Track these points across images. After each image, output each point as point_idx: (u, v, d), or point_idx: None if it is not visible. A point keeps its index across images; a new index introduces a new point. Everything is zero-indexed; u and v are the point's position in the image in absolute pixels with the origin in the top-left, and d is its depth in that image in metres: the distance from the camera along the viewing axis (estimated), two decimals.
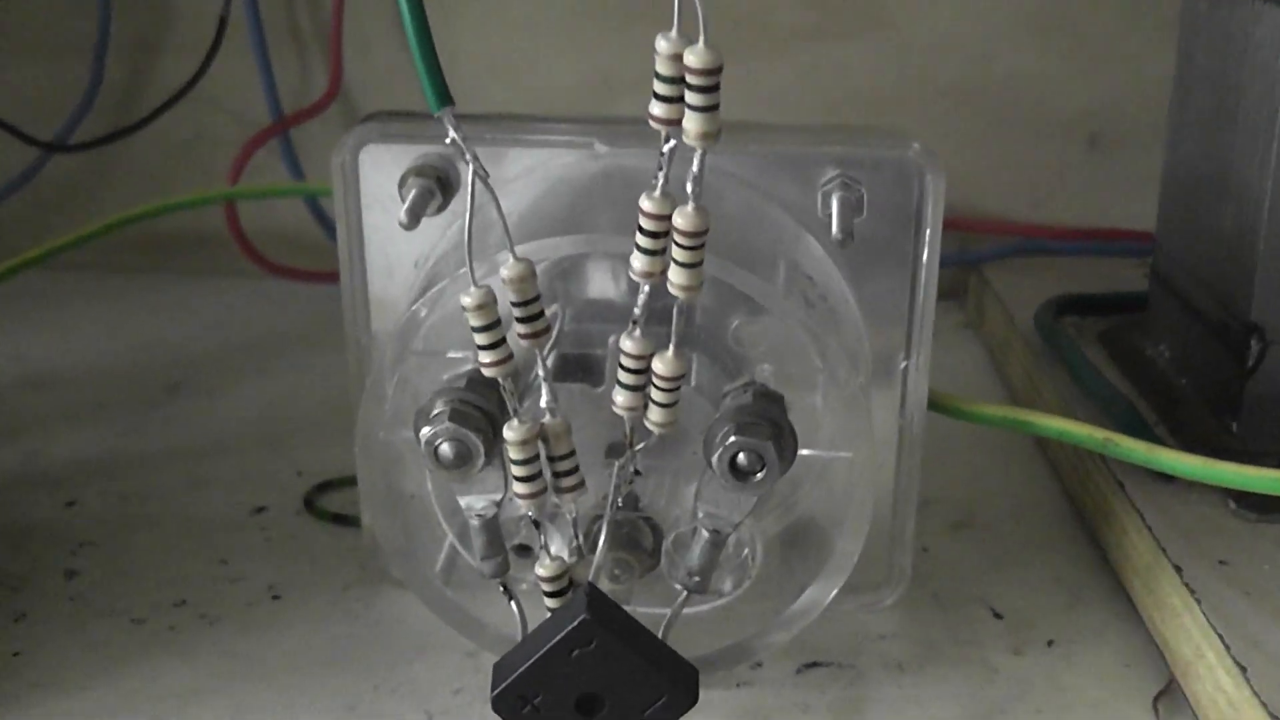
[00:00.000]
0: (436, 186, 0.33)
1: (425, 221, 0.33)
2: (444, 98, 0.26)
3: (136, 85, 0.61)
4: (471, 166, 0.26)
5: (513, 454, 0.29)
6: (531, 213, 0.33)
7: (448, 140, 0.26)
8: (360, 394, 0.34)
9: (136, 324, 0.58)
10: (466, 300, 0.27)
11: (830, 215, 0.32)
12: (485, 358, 0.28)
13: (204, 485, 0.43)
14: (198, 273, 0.63)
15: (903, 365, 0.34)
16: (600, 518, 0.31)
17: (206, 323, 0.58)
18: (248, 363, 0.54)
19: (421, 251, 0.34)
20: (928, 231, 0.33)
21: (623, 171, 0.33)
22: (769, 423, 0.29)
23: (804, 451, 0.31)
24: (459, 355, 0.32)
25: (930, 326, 0.34)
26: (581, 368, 0.33)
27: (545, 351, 0.29)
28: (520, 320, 0.28)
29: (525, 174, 0.34)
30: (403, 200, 0.33)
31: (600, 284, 0.34)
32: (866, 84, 0.59)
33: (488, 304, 0.27)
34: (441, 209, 0.33)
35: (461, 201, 0.33)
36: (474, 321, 0.27)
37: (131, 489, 0.43)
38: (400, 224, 0.32)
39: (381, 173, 0.34)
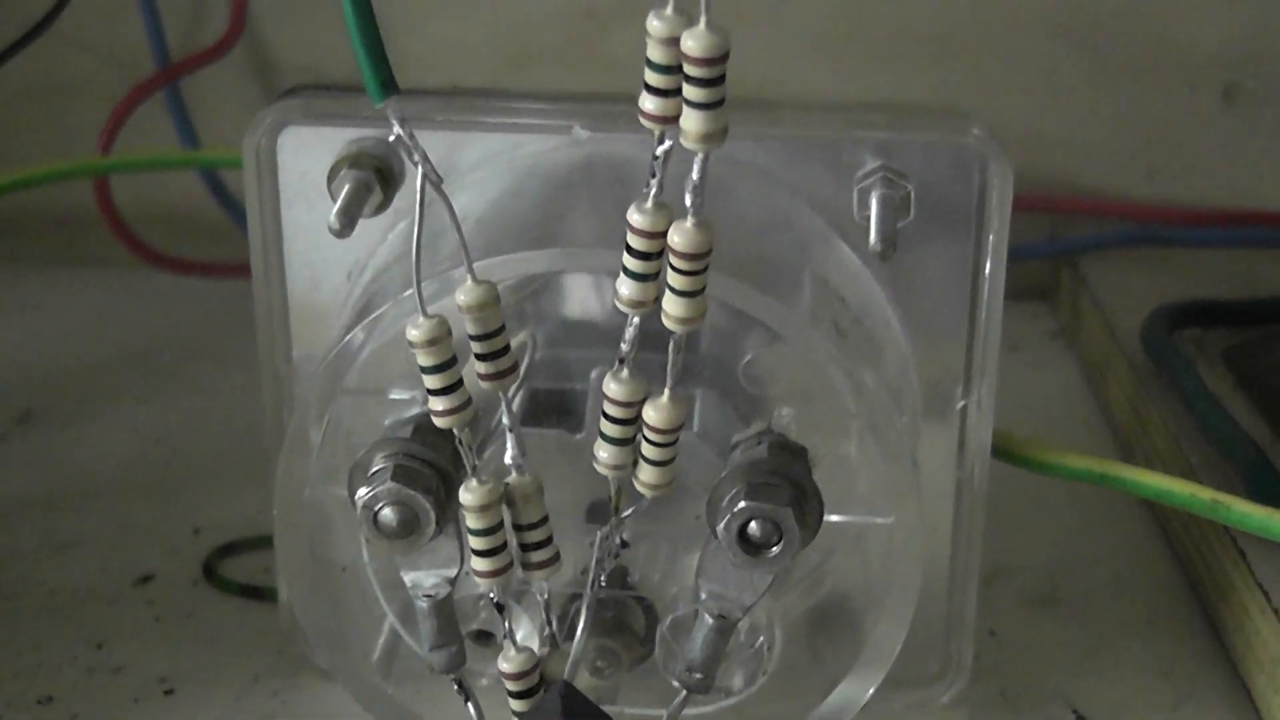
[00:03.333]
0: (375, 179, 0.36)
1: (362, 223, 0.36)
2: (388, 85, 0.29)
3: None
4: (421, 170, 0.29)
5: (470, 521, 0.32)
6: (495, 214, 0.36)
7: (391, 137, 0.29)
8: (279, 439, 0.37)
9: None
10: (414, 334, 0.30)
11: (868, 218, 0.35)
12: (437, 405, 0.31)
13: (71, 546, 0.46)
14: (55, 263, 0.66)
15: (960, 405, 0.37)
16: (579, 596, 0.34)
17: (68, 330, 0.61)
18: (125, 382, 0.57)
19: (356, 258, 0.37)
20: (991, 237, 0.36)
21: (609, 162, 0.36)
22: (788, 483, 0.32)
23: (832, 517, 0.34)
24: (404, 395, 0.35)
25: (995, 356, 0.37)
26: (557, 408, 0.36)
27: (511, 394, 0.32)
28: (480, 357, 0.31)
29: (486, 162, 0.37)
30: (333, 197, 0.36)
31: (581, 300, 0.37)
32: (931, 16, 0.62)
33: (440, 338, 0.30)
34: (382, 208, 0.36)
35: (406, 198, 0.36)
36: (423, 360, 0.30)
37: None
38: (330, 229, 0.35)
39: (306, 160, 0.37)
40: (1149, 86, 0.63)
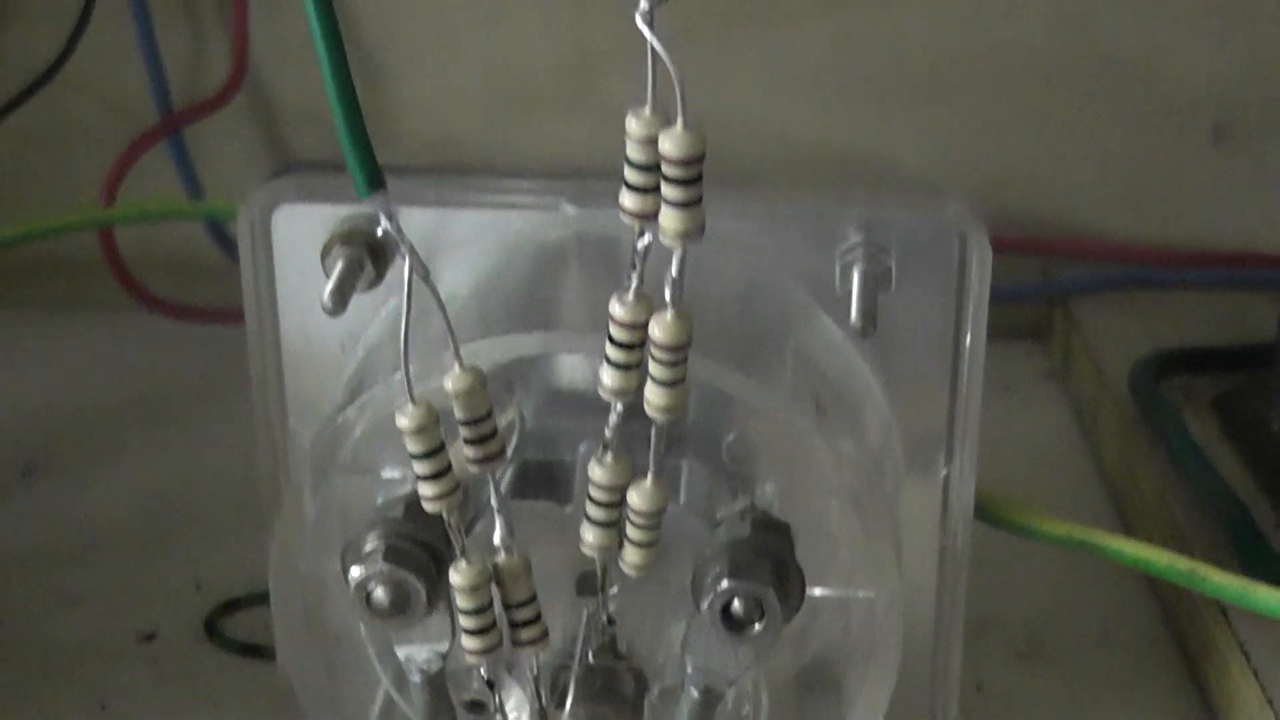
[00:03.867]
0: (367, 256, 0.37)
1: (355, 297, 0.37)
2: (374, 181, 0.30)
3: None
4: (408, 263, 0.30)
5: (460, 602, 0.32)
6: (484, 291, 0.36)
7: (379, 232, 0.30)
8: (275, 508, 0.38)
9: None
10: (403, 422, 0.31)
11: (850, 292, 0.36)
12: (426, 490, 0.31)
13: (75, 603, 0.47)
14: (58, 307, 0.67)
15: (943, 473, 0.38)
16: (568, 667, 0.35)
17: (70, 376, 0.62)
18: (127, 431, 0.58)
19: (350, 330, 0.38)
20: (971, 308, 0.37)
21: (598, 237, 0.37)
22: (770, 561, 0.33)
23: (815, 591, 0.35)
24: (395, 474, 0.36)
25: (976, 424, 0.38)
26: (545, 481, 0.37)
27: (499, 475, 0.32)
28: (469, 441, 0.32)
29: (476, 235, 0.37)
30: (326, 274, 0.36)
31: (569, 372, 0.38)
32: (919, 57, 0.63)
33: (428, 426, 0.31)
34: (375, 284, 0.37)
35: (399, 272, 0.37)
36: (412, 447, 0.31)
37: None
38: (323, 308, 0.36)
39: (299, 237, 0.37)
40: (1139, 127, 0.63)
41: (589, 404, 0.37)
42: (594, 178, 0.37)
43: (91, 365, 0.63)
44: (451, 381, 0.31)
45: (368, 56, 0.64)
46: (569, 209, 0.37)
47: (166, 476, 0.54)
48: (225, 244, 0.64)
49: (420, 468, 0.31)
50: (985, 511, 0.40)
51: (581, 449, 0.36)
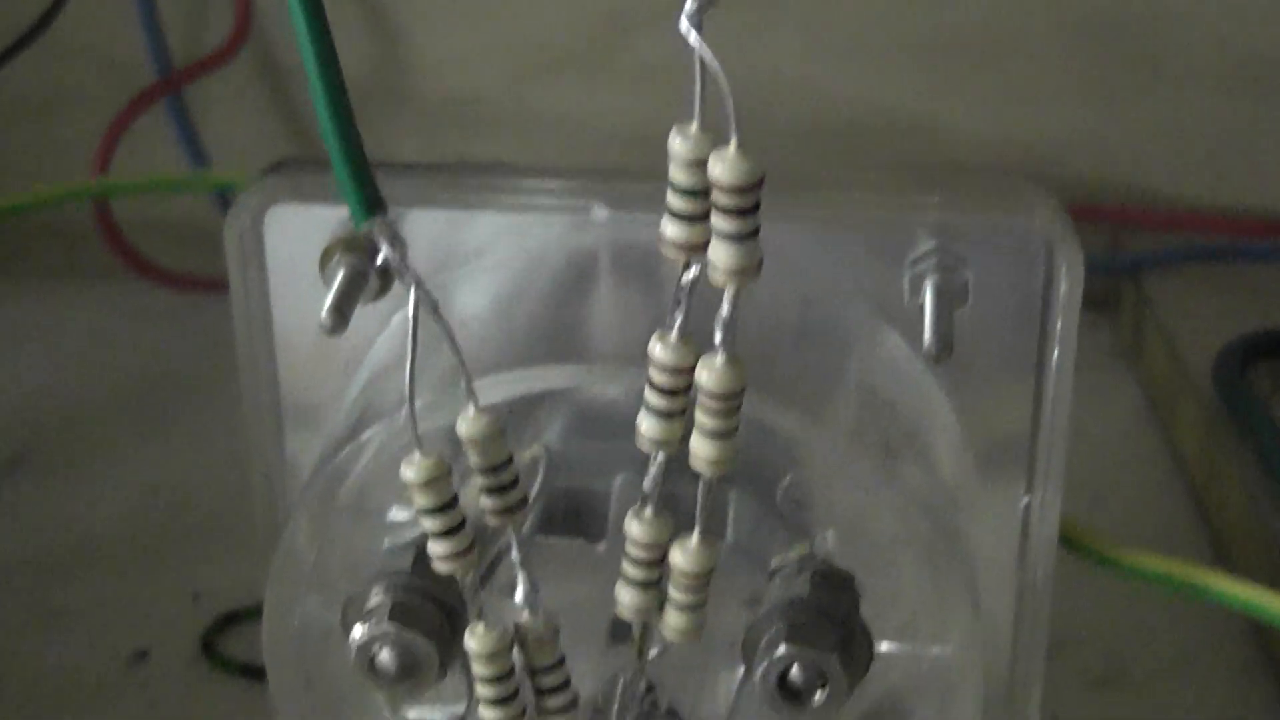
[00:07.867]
0: (371, 265, 0.33)
1: (359, 310, 0.33)
2: (373, 205, 0.26)
3: None
4: (413, 295, 0.26)
5: (478, 669, 0.29)
6: (505, 305, 0.32)
7: (379, 259, 0.26)
8: (270, 545, 0.34)
9: None
10: (409, 475, 0.27)
11: (921, 305, 0.32)
12: (438, 549, 0.28)
13: (60, 616, 0.44)
14: (53, 275, 0.63)
15: (1024, 502, 0.34)
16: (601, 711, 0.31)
17: (65, 355, 0.58)
18: (123, 417, 0.54)
19: (354, 345, 0.34)
20: (1059, 325, 0.33)
21: (635, 246, 0.33)
22: (833, 623, 0.29)
23: (881, 647, 0.31)
24: (403, 518, 0.32)
25: (1063, 451, 0.34)
26: (575, 515, 0.33)
27: (522, 529, 0.29)
28: (486, 490, 0.28)
29: (495, 242, 0.33)
30: (326, 285, 0.33)
31: (602, 391, 0.34)
32: (973, 15, 0.59)
33: (439, 478, 0.27)
34: (381, 294, 0.33)
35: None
36: (421, 502, 0.27)
37: None
38: (321, 327, 0.32)
39: (295, 242, 0.34)
40: (1212, 87, 0.60)
41: (625, 425, 0.33)
42: (630, 178, 0.33)
43: (87, 342, 0.60)
44: (465, 425, 0.27)
45: (386, 14, 0.60)
46: (600, 213, 0.33)
47: (164, 470, 0.51)
48: (227, 209, 0.60)
49: (429, 524, 0.28)
50: (1070, 539, 0.36)
51: (617, 482, 0.32)
